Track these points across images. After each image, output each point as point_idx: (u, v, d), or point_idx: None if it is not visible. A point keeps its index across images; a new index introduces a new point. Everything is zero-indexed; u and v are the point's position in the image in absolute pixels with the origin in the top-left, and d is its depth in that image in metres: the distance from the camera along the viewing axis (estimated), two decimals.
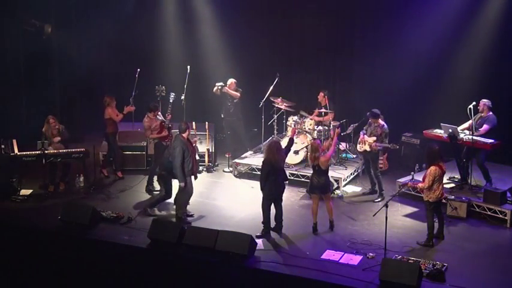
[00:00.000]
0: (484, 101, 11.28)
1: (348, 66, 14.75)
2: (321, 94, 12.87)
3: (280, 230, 10.06)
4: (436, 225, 9.74)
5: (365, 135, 11.42)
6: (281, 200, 10.08)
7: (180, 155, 10.20)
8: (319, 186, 9.99)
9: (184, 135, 10.41)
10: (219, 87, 13.17)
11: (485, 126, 11.17)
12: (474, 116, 11.20)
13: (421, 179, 9.86)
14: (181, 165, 10.21)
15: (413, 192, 11.24)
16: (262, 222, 9.98)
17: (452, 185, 11.45)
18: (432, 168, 9.53)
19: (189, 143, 10.48)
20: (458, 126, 11.37)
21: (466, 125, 11.46)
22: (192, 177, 10.50)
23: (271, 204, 9.98)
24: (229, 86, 13.25)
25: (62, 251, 9.75)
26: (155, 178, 11.96)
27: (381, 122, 11.34)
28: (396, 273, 8.24)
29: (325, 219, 10.20)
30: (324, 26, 14.59)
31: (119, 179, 12.43)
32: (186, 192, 10.41)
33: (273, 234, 9.97)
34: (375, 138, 11.26)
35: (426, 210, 9.71)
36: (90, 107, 14.71)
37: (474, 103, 11.25)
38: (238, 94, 13.26)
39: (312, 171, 10.19)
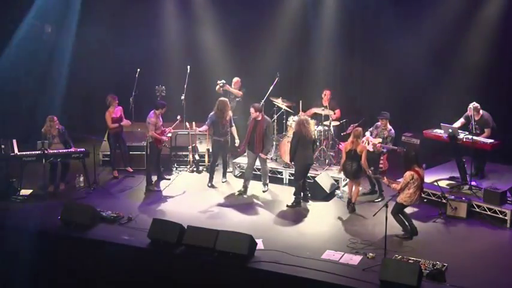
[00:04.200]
0: (472, 105, 11.23)
1: (348, 66, 14.77)
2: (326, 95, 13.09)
3: (307, 200, 11.21)
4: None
5: (370, 136, 11.40)
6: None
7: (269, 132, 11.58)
8: (352, 172, 10.66)
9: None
10: (221, 85, 13.18)
11: (487, 131, 11.20)
12: (464, 116, 11.34)
13: None
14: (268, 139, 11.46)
15: None
16: (293, 194, 11.04)
17: (453, 183, 11.45)
18: (407, 173, 9.59)
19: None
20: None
21: (458, 123, 11.45)
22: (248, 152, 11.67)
23: (303, 176, 11.06)
24: (234, 84, 13.25)
25: (62, 251, 9.75)
26: (154, 178, 12.00)
27: (389, 126, 11.33)
28: (396, 273, 8.22)
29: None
30: (324, 26, 14.60)
31: (113, 177, 12.51)
32: (248, 165, 11.72)
33: (272, 234, 9.98)
34: (380, 140, 11.25)
35: (392, 211, 9.71)
36: (90, 108, 14.70)
37: (474, 103, 11.26)
38: (240, 92, 13.25)
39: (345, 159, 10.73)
